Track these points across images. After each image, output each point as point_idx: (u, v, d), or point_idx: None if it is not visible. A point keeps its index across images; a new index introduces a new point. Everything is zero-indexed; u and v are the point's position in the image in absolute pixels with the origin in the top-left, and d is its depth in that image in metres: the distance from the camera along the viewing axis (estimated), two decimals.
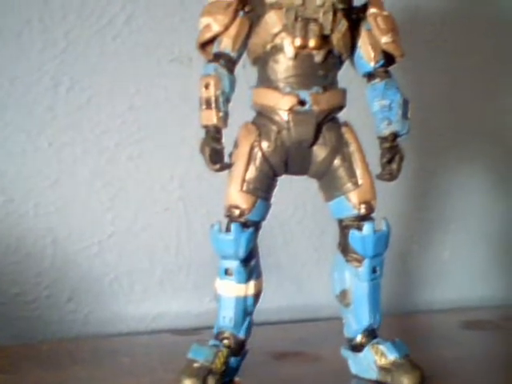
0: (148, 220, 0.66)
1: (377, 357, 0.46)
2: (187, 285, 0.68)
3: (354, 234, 0.46)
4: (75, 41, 0.63)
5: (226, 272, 0.46)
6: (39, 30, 0.61)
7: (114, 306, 0.66)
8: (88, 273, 0.65)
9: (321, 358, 0.54)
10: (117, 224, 0.66)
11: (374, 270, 0.47)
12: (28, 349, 0.57)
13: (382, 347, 0.47)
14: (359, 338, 0.48)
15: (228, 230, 0.45)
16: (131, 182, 0.66)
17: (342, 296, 0.48)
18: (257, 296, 0.47)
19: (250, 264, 0.46)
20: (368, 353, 0.47)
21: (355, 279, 0.47)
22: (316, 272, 0.71)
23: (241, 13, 0.45)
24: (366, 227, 0.46)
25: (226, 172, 0.46)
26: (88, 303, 0.65)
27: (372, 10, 0.46)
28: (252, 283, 0.47)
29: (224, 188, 0.46)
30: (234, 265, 0.46)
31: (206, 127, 0.45)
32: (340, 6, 0.44)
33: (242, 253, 0.45)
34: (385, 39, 0.46)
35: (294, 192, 0.67)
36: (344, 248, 0.47)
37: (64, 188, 0.64)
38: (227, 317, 0.46)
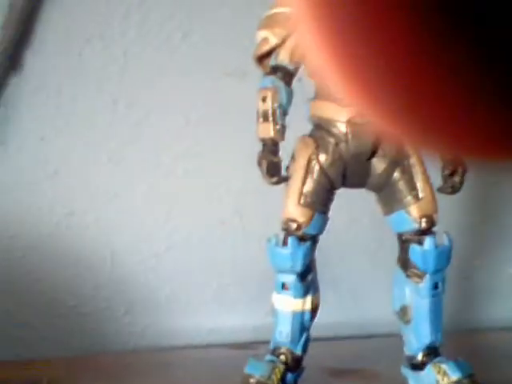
0: (204, 233, 0.67)
1: (439, 376, 0.45)
2: (243, 298, 0.68)
3: (414, 248, 0.45)
4: (133, 57, 0.64)
5: (283, 286, 0.45)
6: (99, 48, 0.63)
7: (170, 319, 0.66)
8: (145, 286, 0.66)
9: (378, 376, 0.53)
10: (173, 237, 0.66)
11: (435, 286, 0.45)
12: (85, 361, 0.58)
13: (444, 366, 0.45)
14: (420, 356, 0.46)
15: (285, 243, 0.45)
16: (187, 196, 0.66)
17: (402, 312, 0.47)
18: (314, 311, 0.46)
19: (307, 278, 0.46)
20: (430, 372, 0.45)
21: (416, 295, 0.45)
22: (373, 287, 0.69)
23: None
24: (427, 242, 0.44)
25: (282, 185, 0.45)
26: (145, 316, 0.66)
27: None
28: (309, 298, 0.46)
29: (281, 201, 0.46)
30: (291, 279, 0.45)
31: (263, 140, 0.45)
32: None
33: (299, 267, 0.45)
34: None
35: (350, 205, 0.66)
36: (404, 263, 0.46)
37: (122, 202, 0.65)
38: (284, 332, 0.46)
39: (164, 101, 0.65)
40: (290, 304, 0.45)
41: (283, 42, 0.45)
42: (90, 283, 0.64)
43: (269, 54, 0.45)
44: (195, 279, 0.67)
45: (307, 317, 0.46)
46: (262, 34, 0.45)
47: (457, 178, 0.45)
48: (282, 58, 0.45)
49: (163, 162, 0.65)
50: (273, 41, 0.45)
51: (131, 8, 0.63)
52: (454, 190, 0.46)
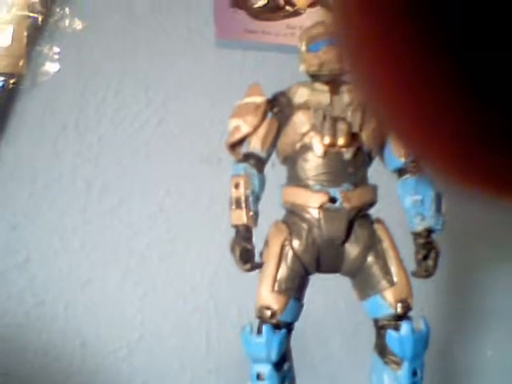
0: (178, 321, 0.65)
1: None
2: None
3: (391, 334, 0.44)
4: (108, 145, 0.64)
5: (258, 377, 0.44)
6: (74, 135, 0.63)
7: None
8: (117, 376, 0.63)
9: None
10: (146, 326, 0.64)
11: (414, 373, 0.44)
12: None
13: None
14: None
15: (259, 331, 0.44)
16: (161, 283, 0.65)
17: None
18: None
19: (283, 368, 0.44)
20: None
21: (395, 383, 0.44)
22: (352, 374, 0.68)
23: (269, 114, 0.46)
24: (404, 327, 0.44)
25: (256, 271, 0.45)
26: None
27: None
28: None
29: (255, 288, 0.45)
30: (266, 369, 0.44)
31: (236, 226, 0.44)
32: None
33: (274, 356, 0.43)
34: None
35: (325, 290, 0.66)
36: (381, 349, 0.45)
37: (94, 289, 0.63)
38: None
39: (138, 187, 0.65)
40: None
41: (255, 129, 0.45)
42: (59, 375, 0.62)
43: (241, 141, 0.46)
44: (169, 369, 0.65)
45: None
46: (234, 122, 0.46)
47: (430, 262, 0.45)
48: (254, 145, 0.45)
49: (137, 248, 0.65)
50: (245, 129, 0.45)
51: (107, 96, 0.64)
52: (429, 273, 0.46)
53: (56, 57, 0.62)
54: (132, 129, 0.65)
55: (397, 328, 0.44)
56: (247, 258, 0.44)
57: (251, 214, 0.44)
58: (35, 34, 0.61)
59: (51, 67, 0.62)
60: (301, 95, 0.45)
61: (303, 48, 0.45)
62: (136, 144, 0.65)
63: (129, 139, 0.65)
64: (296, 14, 0.65)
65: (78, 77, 0.63)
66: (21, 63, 0.61)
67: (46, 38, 0.62)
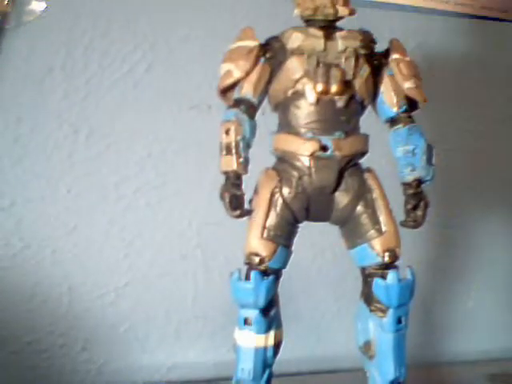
0: (165, 267, 0.66)
1: None
2: (204, 334, 0.66)
3: (377, 282, 0.45)
4: (96, 89, 0.63)
5: (246, 322, 0.44)
6: (61, 78, 0.62)
7: (128, 355, 0.65)
8: (103, 321, 0.64)
9: None
10: (133, 272, 0.65)
11: (399, 321, 0.45)
12: None
13: None
14: None
15: (248, 278, 0.44)
16: (148, 229, 0.65)
17: (366, 348, 0.46)
18: (277, 347, 0.46)
19: (270, 313, 0.45)
20: None
21: (379, 330, 0.45)
22: (336, 322, 0.69)
23: (262, 59, 0.45)
24: (391, 276, 0.44)
25: (245, 219, 0.45)
26: (102, 353, 0.64)
27: (394, 56, 0.46)
28: (272, 333, 0.45)
29: (243, 235, 0.45)
30: (253, 314, 0.44)
31: (225, 173, 0.44)
32: (362, 51, 0.44)
33: (261, 302, 0.44)
34: (407, 85, 0.45)
35: (313, 239, 0.66)
36: (367, 297, 0.46)
37: (81, 235, 0.63)
38: (246, 369, 0.45)
39: (126, 132, 0.64)
40: (252, 340, 0.44)
41: (247, 74, 0.44)
42: (46, 319, 0.62)
43: (232, 86, 0.45)
44: (155, 314, 0.65)
45: (270, 353, 0.45)
46: (226, 66, 0.45)
47: (419, 212, 0.45)
48: (246, 90, 0.44)
49: (124, 194, 0.64)
50: (236, 74, 0.44)
51: (94, 39, 0.63)
52: (417, 224, 0.46)
53: None
54: (120, 73, 0.64)
55: (383, 276, 0.44)
56: (236, 204, 0.44)
57: (241, 160, 0.43)
58: None
59: (37, 6, 0.60)
60: (295, 40, 0.44)
61: None
62: (124, 88, 0.64)
63: (117, 83, 0.64)
64: None
65: (65, 16, 0.62)
66: (5, 1, 0.59)
67: None
